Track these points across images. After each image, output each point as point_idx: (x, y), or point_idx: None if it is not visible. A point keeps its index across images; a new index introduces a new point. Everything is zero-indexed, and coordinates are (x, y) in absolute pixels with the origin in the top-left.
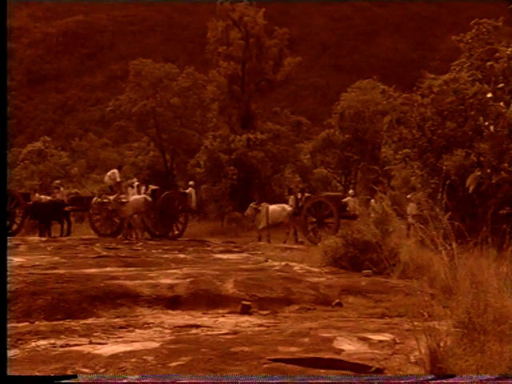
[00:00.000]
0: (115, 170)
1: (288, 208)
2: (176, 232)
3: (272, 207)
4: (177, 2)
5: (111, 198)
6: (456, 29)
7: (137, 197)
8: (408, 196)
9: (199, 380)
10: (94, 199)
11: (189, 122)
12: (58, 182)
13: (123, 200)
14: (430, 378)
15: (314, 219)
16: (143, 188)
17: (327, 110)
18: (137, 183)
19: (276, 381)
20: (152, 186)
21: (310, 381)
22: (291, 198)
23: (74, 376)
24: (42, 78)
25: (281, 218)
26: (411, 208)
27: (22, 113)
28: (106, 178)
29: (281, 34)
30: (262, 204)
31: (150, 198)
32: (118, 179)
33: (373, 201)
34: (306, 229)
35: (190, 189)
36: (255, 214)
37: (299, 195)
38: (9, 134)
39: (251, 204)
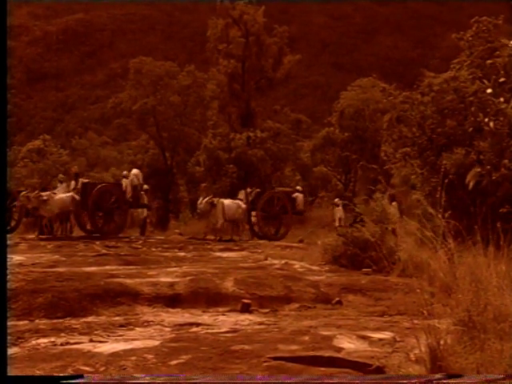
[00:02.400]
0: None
1: (243, 205)
2: (112, 226)
3: (227, 203)
4: (177, 0)
5: (32, 194)
6: (456, 27)
7: (62, 196)
8: (335, 200)
9: (212, 380)
10: (22, 193)
11: (189, 120)
12: (61, 176)
13: (44, 198)
14: (436, 377)
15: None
16: (72, 183)
17: (327, 109)
18: (62, 177)
19: (280, 381)
20: (83, 180)
21: (325, 380)
22: (242, 193)
23: (81, 376)
24: (42, 77)
25: (237, 215)
26: (338, 212)
27: (21, 111)
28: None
29: (280, 32)
30: (216, 198)
31: (77, 197)
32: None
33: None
34: (263, 224)
35: (124, 180)
36: (211, 209)
37: (248, 190)
38: (8, 132)
39: (206, 198)
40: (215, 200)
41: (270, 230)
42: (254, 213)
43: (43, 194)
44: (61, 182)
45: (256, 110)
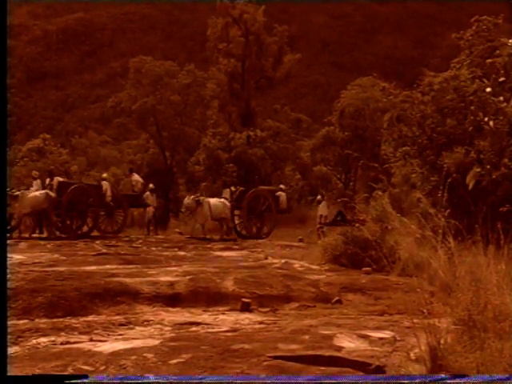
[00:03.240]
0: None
1: (228, 203)
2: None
3: (213, 201)
4: None
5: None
6: (456, 26)
7: (36, 193)
8: (317, 197)
9: (214, 380)
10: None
11: (189, 119)
12: (35, 172)
13: (15, 194)
14: (440, 377)
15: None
16: (47, 180)
17: (327, 108)
18: (36, 174)
19: (285, 381)
20: (59, 178)
21: (325, 380)
22: (226, 191)
23: (85, 376)
24: (42, 76)
25: (223, 214)
26: (320, 209)
27: (21, 110)
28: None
29: (280, 31)
30: (202, 197)
31: (53, 194)
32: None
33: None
34: (247, 222)
35: (104, 182)
36: (197, 207)
37: (233, 188)
38: (9, 131)
39: (192, 196)
40: (201, 198)
41: (253, 228)
42: (237, 211)
43: (14, 190)
44: (34, 179)
45: (256, 110)
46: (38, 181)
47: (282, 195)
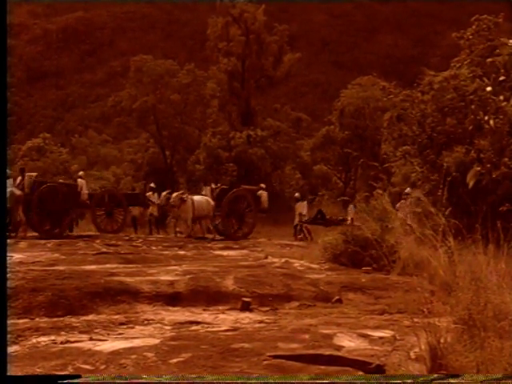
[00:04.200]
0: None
1: (211, 201)
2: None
3: (197, 198)
4: None
5: None
6: (456, 25)
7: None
8: (296, 194)
9: (216, 380)
10: None
11: (189, 118)
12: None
13: None
14: (432, 377)
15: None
16: (19, 179)
17: (327, 107)
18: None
19: (290, 381)
20: (31, 174)
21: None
22: (207, 189)
23: (78, 376)
24: (42, 75)
25: (206, 211)
26: (299, 207)
27: (21, 109)
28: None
29: (281, 30)
30: (186, 194)
31: (18, 192)
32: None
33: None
34: (227, 222)
35: (80, 180)
36: (181, 204)
37: (213, 186)
38: (8, 130)
39: (177, 193)
40: (185, 196)
41: (234, 228)
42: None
43: None
44: (7, 178)
45: (256, 109)
46: (11, 180)
47: (264, 194)
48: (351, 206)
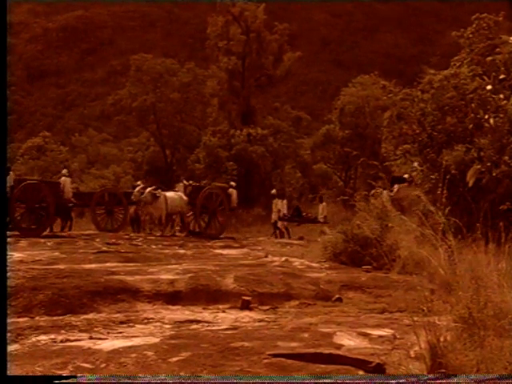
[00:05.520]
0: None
1: (184, 197)
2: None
3: (170, 194)
4: None
5: None
6: (456, 24)
7: None
8: (272, 191)
9: (217, 380)
10: None
11: (189, 117)
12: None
13: None
14: (426, 378)
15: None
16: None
17: (327, 106)
18: None
19: (291, 381)
20: (12, 174)
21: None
22: (180, 185)
23: (73, 376)
24: (42, 74)
25: (179, 208)
26: (277, 204)
27: (21, 108)
28: None
29: (281, 29)
30: (159, 190)
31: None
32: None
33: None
34: (199, 219)
35: (63, 178)
36: (152, 200)
37: (185, 182)
38: (8, 129)
39: (148, 189)
40: (158, 191)
41: (207, 226)
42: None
43: None
44: None
45: (256, 107)
46: None
47: (234, 192)
48: (324, 204)
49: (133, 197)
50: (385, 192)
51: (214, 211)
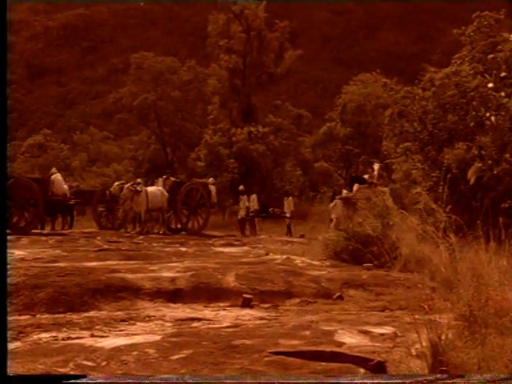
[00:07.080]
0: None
1: (165, 192)
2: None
3: (151, 190)
4: None
5: None
6: (457, 22)
7: None
8: (240, 187)
9: (217, 380)
10: None
11: (190, 115)
12: None
13: None
14: (432, 378)
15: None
16: None
17: (328, 104)
18: None
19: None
20: None
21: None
22: (159, 181)
23: (84, 376)
24: (43, 72)
25: (160, 203)
26: (244, 201)
27: (22, 106)
28: None
29: (282, 27)
30: (140, 185)
31: None
32: None
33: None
34: (180, 216)
35: (53, 176)
36: (133, 196)
37: (164, 177)
38: (9, 127)
39: (127, 185)
40: (139, 186)
41: (187, 222)
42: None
43: None
44: None
45: (257, 105)
46: None
47: (214, 189)
48: (290, 199)
49: (112, 189)
50: (343, 194)
51: (194, 208)
